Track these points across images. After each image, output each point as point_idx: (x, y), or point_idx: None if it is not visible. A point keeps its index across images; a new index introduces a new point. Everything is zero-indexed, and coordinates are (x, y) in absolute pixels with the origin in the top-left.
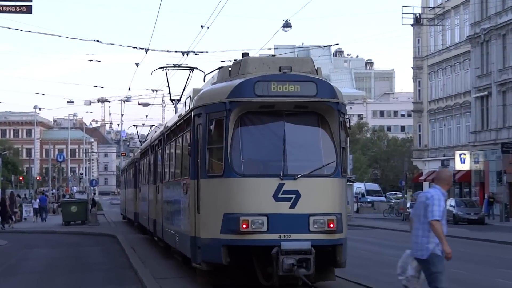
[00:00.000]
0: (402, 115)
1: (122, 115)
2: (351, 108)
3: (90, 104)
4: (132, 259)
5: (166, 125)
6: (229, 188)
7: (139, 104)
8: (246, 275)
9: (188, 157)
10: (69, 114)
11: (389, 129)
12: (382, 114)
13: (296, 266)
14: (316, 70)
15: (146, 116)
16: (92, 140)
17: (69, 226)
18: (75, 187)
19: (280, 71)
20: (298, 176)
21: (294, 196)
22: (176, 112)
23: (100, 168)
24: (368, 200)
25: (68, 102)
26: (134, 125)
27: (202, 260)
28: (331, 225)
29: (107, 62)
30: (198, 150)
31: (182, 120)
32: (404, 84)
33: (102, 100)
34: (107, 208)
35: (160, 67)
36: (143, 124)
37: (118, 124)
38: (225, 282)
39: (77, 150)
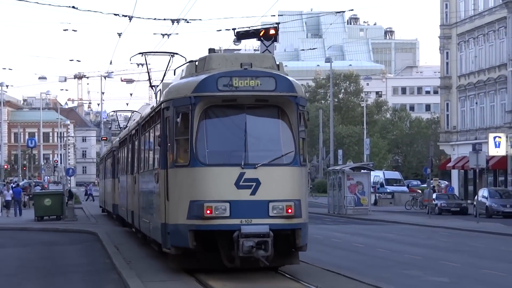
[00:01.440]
0: (427, 92)
1: (102, 93)
2: (368, 84)
3: (65, 80)
4: (116, 260)
5: (142, 116)
6: (195, 176)
7: (122, 80)
8: (214, 258)
9: (159, 148)
10: (41, 93)
11: (412, 108)
12: (404, 91)
13: (255, 248)
14: (278, 65)
15: (131, 94)
16: (68, 122)
17: (42, 222)
18: (48, 177)
19: (241, 67)
20: (258, 165)
21: (254, 183)
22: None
23: (77, 154)
24: (388, 190)
25: (40, 78)
26: (114, 111)
27: (171, 245)
28: (289, 211)
29: (85, 32)
30: (167, 142)
31: (154, 112)
32: (429, 56)
33: (79, 76)
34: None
35: (139, 53)
36: (124, 110)
37: (98, 104)
38: (195, 266)
39: (50, 134)
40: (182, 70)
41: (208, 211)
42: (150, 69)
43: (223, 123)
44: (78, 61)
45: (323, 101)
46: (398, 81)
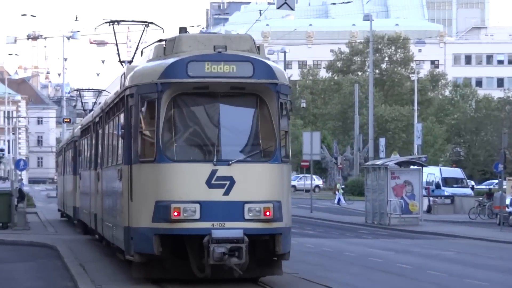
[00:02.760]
0: (500, 62)
1: (65, 59)
2: (420, 50)
3: (15, 42)
4: (81, 283)
5: (106, 101)
6: (161, 174)
7: (91, 43)
8: (183, 267)
9: (123, 140)
10: None
11: (479, 83)
12: (468, 60)
13: (228, 255)
14: (258, 48)
15: (103, 62)
16: (19, 98)
17: None
18: None
19: (214, 50)
20: (233, 161)
21: (228, 182)
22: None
23: (31, 141)
24: (446, 193)
25: None
26: (77, 90)
27: (135, 251)
28: (268, 213)
29: None
30: (131, 133)
31: (118, 99)
32: (502, 14)
33: (33, 37)
34: (42, 203)
35: (106, 21)
36: (90, 89)
37: (59, 74)
38: (162, 276)
39: None
40: (150, 51)
41: (176, 213)
42: (117, 42)
43: (193, 113)
44: (33, 16)
45: (360, 73)
46: (461, 46)
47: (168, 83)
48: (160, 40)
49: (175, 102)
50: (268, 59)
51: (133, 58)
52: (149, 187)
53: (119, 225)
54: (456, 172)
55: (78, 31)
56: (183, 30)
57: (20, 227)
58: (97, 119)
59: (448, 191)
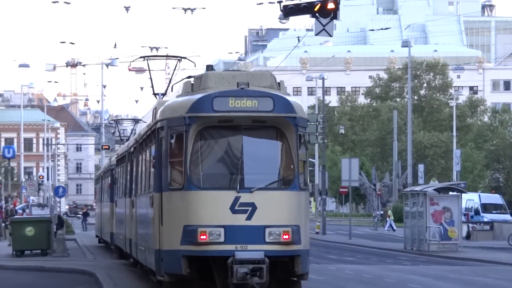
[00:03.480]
0: None
1: (104, 86)
2: (459, 76)
3: (54, 69)
4: None
5: (140, 132)
6: (189, 200)
7: (130, 70)
8: (210, 287)
9: (153, 170)
10: (22, 85)
11: None
12: (507, 85)
13: (250, 275)
14: (279, 84)
15: (142, 88)
16: (58, 125)
17: (22, 258)
18: (31, 198)
19: (238, 86)
20: (254, 189)
21: (250, 208)
22: None
23: (70, 168)
24: (486, 219)
25: (20, 66)
26: (114, 120)
27: (165, 272)
28: (287, 237)
29: (81, 3)
30: (161, 163)
31: (150, 131)
32: None
33: (73, 64)
34: (80, 229)
35: (141, 57)
36: (126, 119)
37: (98, 101)
38: None
39: (34, 140)
40: (180, 87)
41: (203, 236)
42: (151, 76)
43: (218, 144)
44: (72, 43)
45: (398, 99)
46: (500, 72)
47: (195, 117)
48: (189, 77)
49: (202, 134)
50: (288, 94)
51: (166, 90)
52: (178, 212)
53: (151, 248)
54: (495, 198)
55: (117, 58)
56: (209, 67)
57: (59, 254)
58: (131, 149)
59: (487, 217)
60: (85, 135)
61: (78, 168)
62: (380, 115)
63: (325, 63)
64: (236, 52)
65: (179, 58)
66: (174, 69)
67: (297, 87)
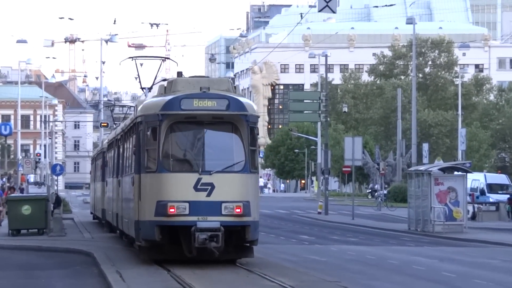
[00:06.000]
0: None
1: (103, 62)
2: (464, 54)
3: (52, 45)
4: None
5: (126, 123)
6: (161, 181)
7: (130, 46)
8: (177, 250)
9: (134, 155)
10: (19, 61)
11: None
12: None
13: (208, 240)
14: (235, 87)
15: (141, 65)
16: (56, 102)
17: (18, 237)
18: (28, 176)
19: (200, 90)
20: (213, 172)
21: (209, 187)
22: None
23: (68, 146)
24: (491, 199)
25: (18, 41)
26: (107, 106)
27: (142, 238)
28: (238, 210)
29: None
30: (140, 150)
31: (132, 124)
32: None
33: (71, 40)
34: (78, 208)
35: (129, 57)
36: (120, 105)
37: (97, 78)
38: (161, 257)
39: (31, 117)
40: (155, 88)
41: (172, 210)
42: (139, 74)
43: (185, 136)
44: (71, 19)
45: (402, 77)
46: (506, 50)
47: (167, 114)
48: (164, 80)
49: (172, 128)
50: (242, 96)
51: (152, 84)
52: (152, 190)
53: (132, 219)
54: (501, 178)
55: (116, 34)
56: (179, 74)
57: (56, 233)
58: (118, 137)
59: (493, 197)
60: (83, 112)
61: (76, 146)
62: (384, 93)
63: (328, 40)
64: (238, 29)
65: (163, 59)
66: (158, 69)
67: (299, 64)
